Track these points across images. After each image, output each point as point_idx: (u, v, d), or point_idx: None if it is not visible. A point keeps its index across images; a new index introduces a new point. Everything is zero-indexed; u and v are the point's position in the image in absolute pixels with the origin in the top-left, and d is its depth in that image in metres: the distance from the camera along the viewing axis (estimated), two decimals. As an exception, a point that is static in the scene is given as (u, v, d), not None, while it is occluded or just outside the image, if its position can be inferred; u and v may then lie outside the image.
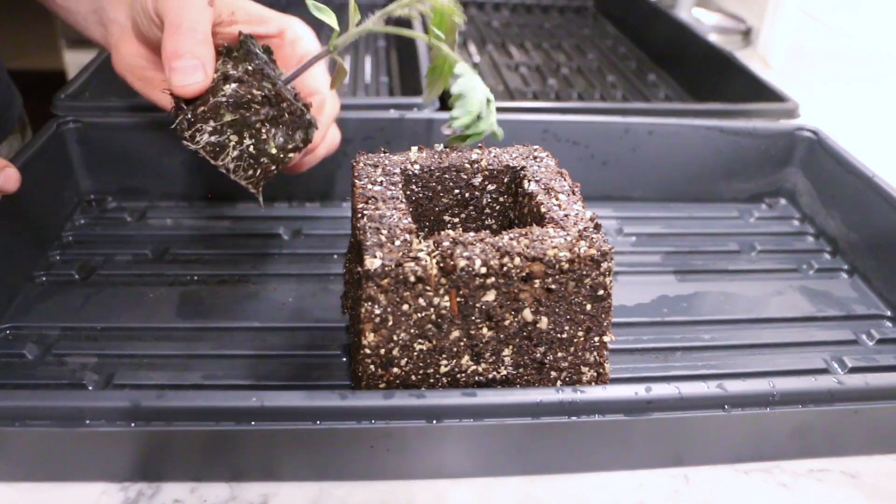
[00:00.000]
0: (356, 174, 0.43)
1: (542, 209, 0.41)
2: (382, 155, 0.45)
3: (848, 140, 0.62)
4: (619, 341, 0.48)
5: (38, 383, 0.42)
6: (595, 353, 0.39)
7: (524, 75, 0.90)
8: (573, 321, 0.38)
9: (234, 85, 0.41)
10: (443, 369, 0.38)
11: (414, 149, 0.46)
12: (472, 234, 0.37)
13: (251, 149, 0.41)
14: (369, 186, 0.42)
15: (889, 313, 0.53)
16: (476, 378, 0.39)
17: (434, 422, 0.36)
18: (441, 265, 0.35)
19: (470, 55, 0.96)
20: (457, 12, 0.42)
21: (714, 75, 0.83)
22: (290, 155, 0.43)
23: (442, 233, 0.37)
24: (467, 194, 0.46)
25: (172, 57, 0.41)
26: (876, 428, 0.41)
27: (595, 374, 0.40)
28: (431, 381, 0.38)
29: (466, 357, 0.38)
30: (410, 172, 0.44)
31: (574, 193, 0.42)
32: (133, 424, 0.35)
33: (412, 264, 0.35)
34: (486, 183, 0.46)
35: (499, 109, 0.64)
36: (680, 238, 0.60)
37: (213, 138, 0.41)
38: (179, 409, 0.35)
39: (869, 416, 0.39)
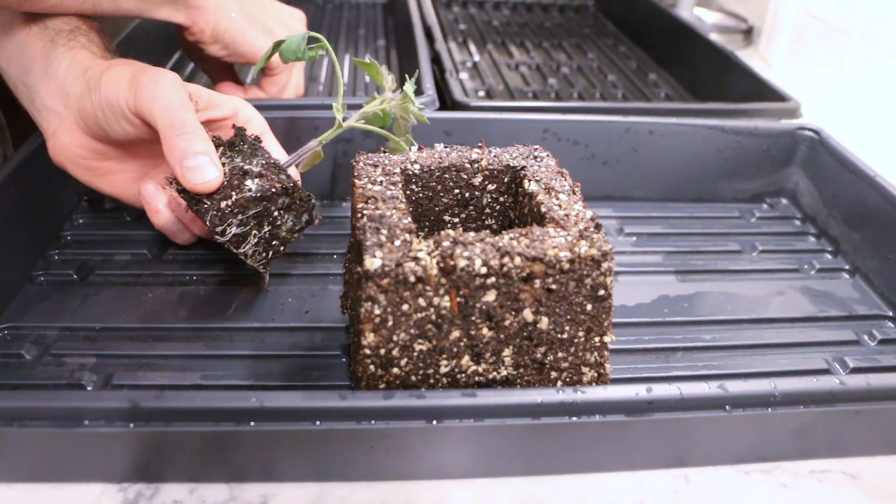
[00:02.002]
0: (356, 174, 0.43)
1: (543, 209, 0.41)
2: (382, 155, 0.45)
3: (850, 139, 0.62)
4: (619, 341, 0.48)
5: (37, 384, 0.42)
6: (596, 354, 0.39)
7: (524, 74, 0.90)
8: (574, 321, 0.38)
9: (257, 180, 0.44)
10: (443, 369, 0.38)
11: (414, 148, 0.46)
12: (472, 234, 0.37)
13: (267, 235, 0.45)
14: (369, 186, 0.41)
15: (891, 313, 0.52)
16: (476, 378, 0.39)
17: (434, 422, 0.36)
18: (441, 265, 0.35)
19: (470, 54, 0.96)
20: (420, 116, 0.50)
21: (715, 75, 0.83)
22: (296, 235, 0.47)
23: (442, 233, 0.37)
24: (467, 194, 0.46)
25: (184, 157, 0.43)
26: (877, 429, 0.40)
27: (596, 374, 0.40)
28: (431, 381, 0.38)
29: (466, 357, 0.38)
30: (410, 172, 0.44)
31: (574, 193, 0.42)
32: (132, 425, 0.34)
33: (412, 264, 0.35)
34: (487, 183, 0.46)
35: (499, 109, 0.64)
36: (681, 238, 0.60)
37: (238, 230, 0.44)
38: (178, 410, 0.35)
39: (870, 416, 0.39)
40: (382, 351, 0.37)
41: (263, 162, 0.45)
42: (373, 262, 0.35)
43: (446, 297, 0.36)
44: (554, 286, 0.37)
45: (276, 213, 0.45)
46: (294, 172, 0.50)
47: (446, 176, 0.45)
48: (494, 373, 0.39)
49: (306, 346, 0.46)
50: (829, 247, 0.60)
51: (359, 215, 0.39)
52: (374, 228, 0.37)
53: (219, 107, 0.49)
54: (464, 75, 0.89)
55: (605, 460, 0.39)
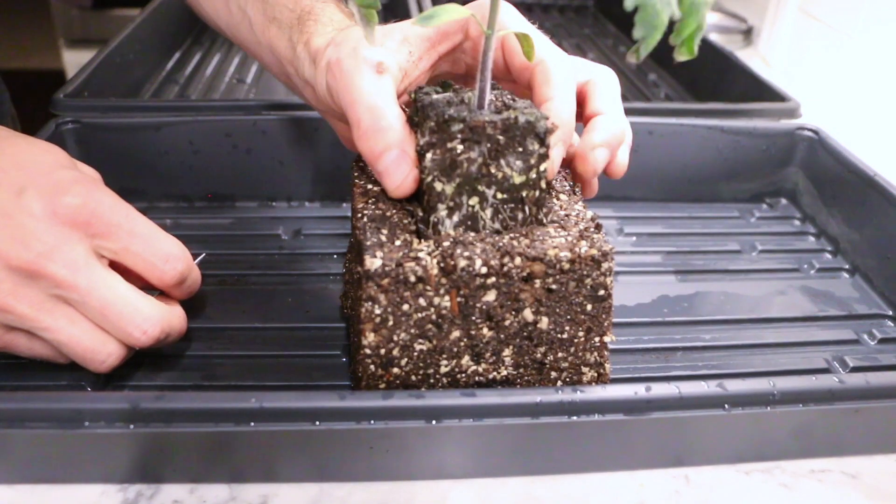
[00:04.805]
0: (356, 174, 0.43)
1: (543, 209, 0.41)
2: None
3: (849, 139, 0.62)
4: (619, 341, 0.48)
5: (37, 384, 0.42)
6: (596, 354, 0.39)
7: (524, 75, 0.90)
8: (574, 321, 0.38)
9: (428, 155, 0.35)
10: (443, 369, 0.38)
11: None
12: (472, 233, 0.37)
13: (498, 195, 0.35)
14: (369, 186, 0.41)
15: (890, 313, 0.52)
16: (476, 378, 0.39)
17: (434, 422, 0.36)
18: (441, 265, 0.35)
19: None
20: None
21: (715, 75, 0.83)
22: (539, 170, 0.35)
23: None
24: (467, 194, 0.46)
25: (373, 161, 0.37)
26: (877, 428, 0.40)
27: (595, 374, 0.40)
28: (431, 381, 0.38)
29: (466, 357, 0.38)
30: (410, 172, 0.44)
31: (575, 193, 0.42)
32: (132, 426, 0.34)
33: (412, 264, 0.35)
34: (486, 183, 0.46)
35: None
36: (680, 238, 0.60)
37: (458, 218, 0.35)
38: (178, 411, 0.35)
39: (870, 415, 0.39)
40: (382, 351, 0.37)
41: (431, 123, 0.34)
42: (373, 262, 0.35)
43: (446, 297, 0.36)
44: (554, 286, 0.37)
45: (483, 171, 0.34)
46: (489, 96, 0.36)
47: (446, 176, 0.45)
48: (494, 373, 0.39)
49: (306, 346, 0.46)
50: (828, 246, 0.60)
51: (359, 215, 0.39)
52: (374, 228, 0.37)
53: (447, 37, 0.40)
54: (463, 75, 0.88)
55: (605, 460, 0.39)
